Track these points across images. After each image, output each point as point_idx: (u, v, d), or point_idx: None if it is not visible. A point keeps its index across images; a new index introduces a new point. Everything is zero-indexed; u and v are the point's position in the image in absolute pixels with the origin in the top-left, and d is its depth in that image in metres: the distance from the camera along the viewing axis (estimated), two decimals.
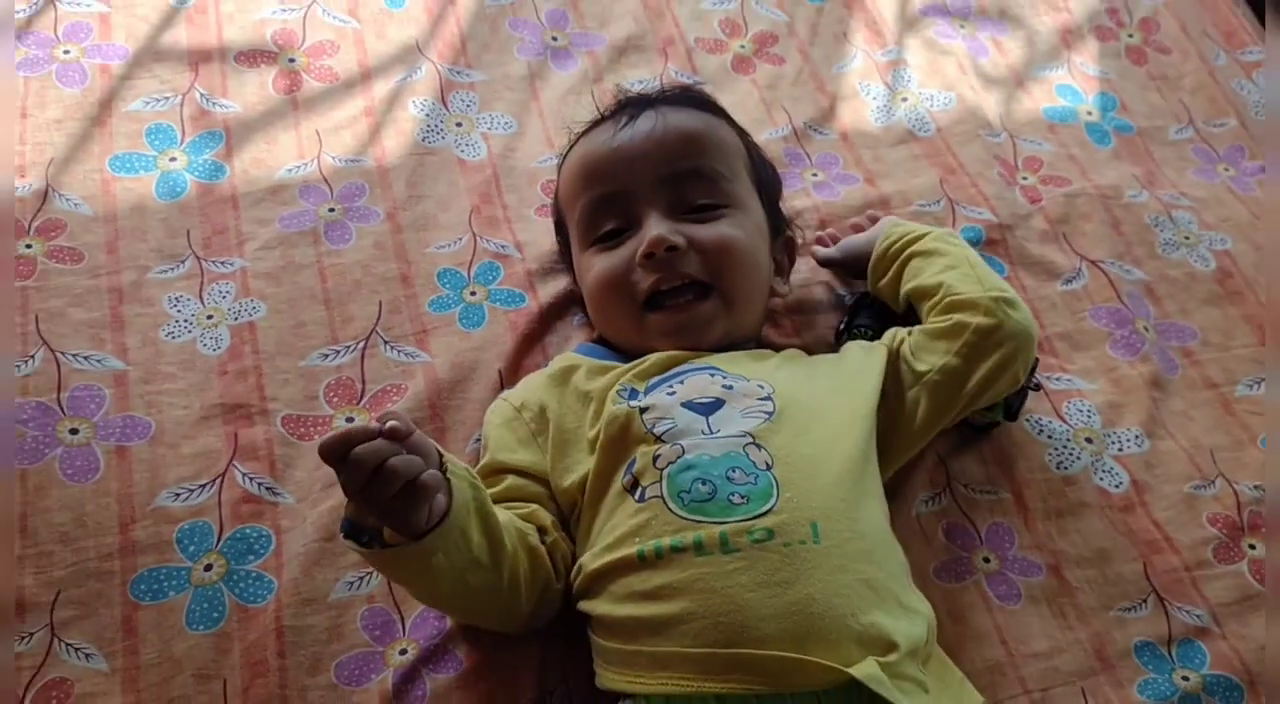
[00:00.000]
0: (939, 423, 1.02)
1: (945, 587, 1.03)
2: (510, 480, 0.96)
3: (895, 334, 1.04)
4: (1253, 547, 1.10)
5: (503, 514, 0.88)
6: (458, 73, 1.37)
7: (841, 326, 1.14)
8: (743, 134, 1.15)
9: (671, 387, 0.96)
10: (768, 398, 0.94)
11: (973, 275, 1.03)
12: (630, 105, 1.12)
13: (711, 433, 0.90)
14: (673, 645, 0.82)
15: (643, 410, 0.93)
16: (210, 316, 1.12)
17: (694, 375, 0.97)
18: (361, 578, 0.96)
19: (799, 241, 1.19)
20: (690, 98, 1.14)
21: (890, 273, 1.10)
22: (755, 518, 0.84)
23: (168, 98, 1.28)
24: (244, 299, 1.13)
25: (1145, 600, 1.05)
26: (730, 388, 0.95)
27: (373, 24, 1.39)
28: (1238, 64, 1.61)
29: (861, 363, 1.03)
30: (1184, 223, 1.38)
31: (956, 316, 1.00)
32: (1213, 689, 0.99)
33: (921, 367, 1.00)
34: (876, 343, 1.04)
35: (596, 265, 1.05)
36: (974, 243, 1.29)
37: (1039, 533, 1.08)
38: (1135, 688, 0.99)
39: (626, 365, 1.01)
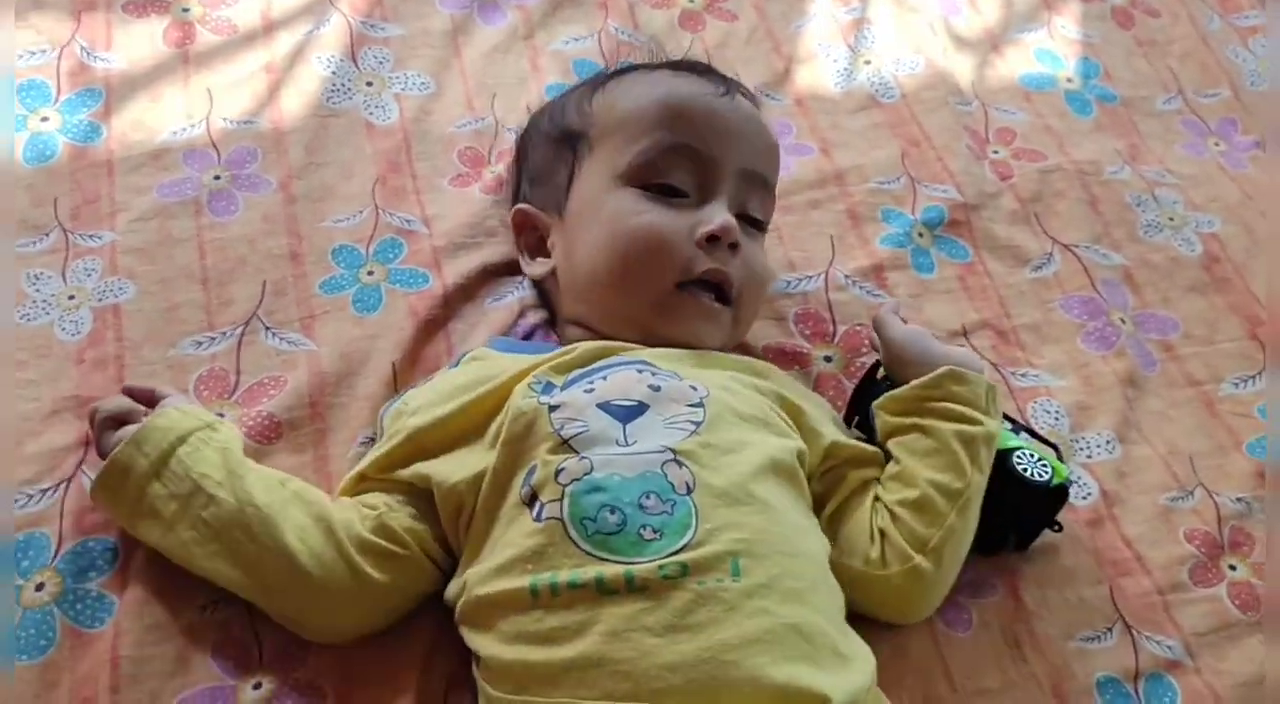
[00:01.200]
0: None
1: None
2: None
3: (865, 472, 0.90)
4: (1233, 567, 0.98)
5: (277, 475, 0.86)
6: (371, 26, 1.23)
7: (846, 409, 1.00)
8: None
9: (592, 382, 0.84)
10: (699, 404, 0.82)
11: (940, 520, 0.85)
12: (710, 73, 1.02)
13: (627, 444, 0.79)
14: (565, 697, 0.71)
15: (552, 408, 0.81)
16: (72, 297, 1.00)
17: (620, 371, 0.85)
18: (217, 601, 0.84)
19: None
20: (755, 101, 1.05)
21: (901, 418, 0.89)
22: (668, 556, 0.73)
23: (44, 50, 1.15)
24: (110, 278, 1.01)
25: (1110, 629, 0.93)
26: (657, 390, 0.83)
27: None
28: (1233, 29, 1.48)
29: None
30: (1168, 202, 1.26)
31: (889, 550, 0.85)
32: None
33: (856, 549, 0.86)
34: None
35: (644, 213, 0.91)
36: (935, 224, 1.17)
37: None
38: None
39: (547, 355, 0.89)
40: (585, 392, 0.83)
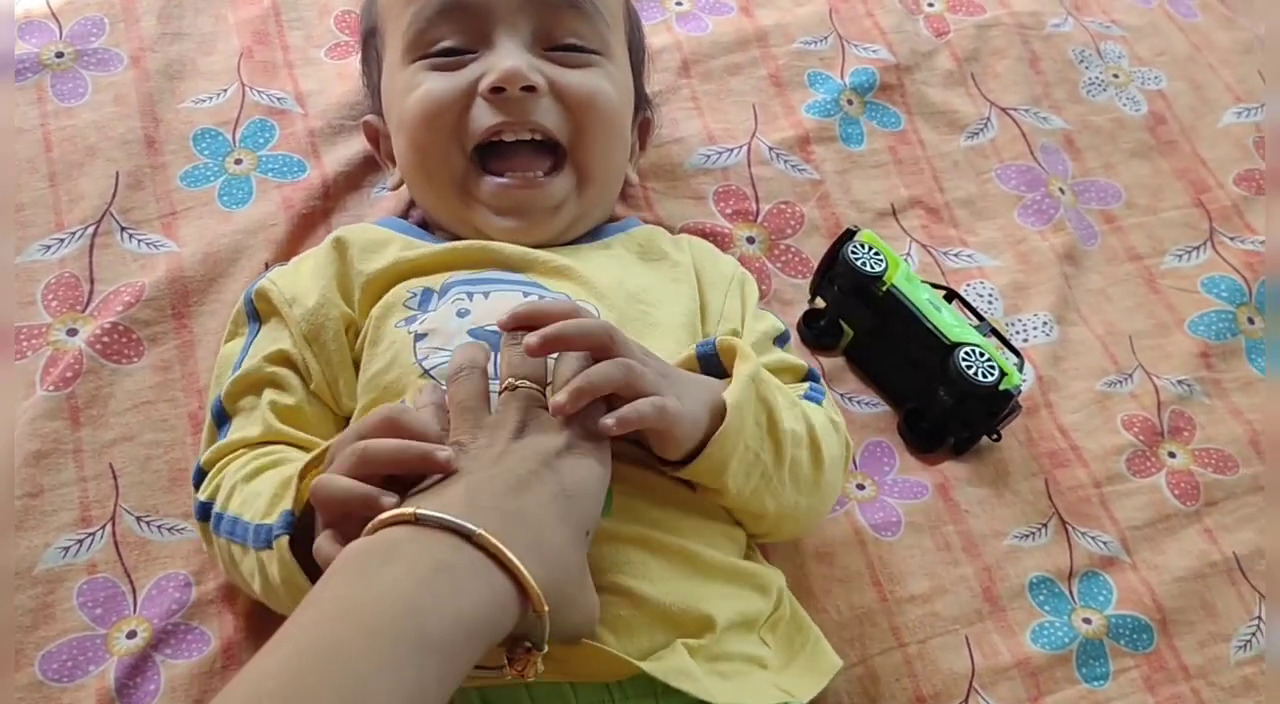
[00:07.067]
0: None
1: None
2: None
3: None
4: (1173, 455, 0.94)
5: None
6: None
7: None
8: None
9: (471, 297, 0.75)
10: None
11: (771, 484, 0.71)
12: None
13: (495, 376, 0.70)
14: None
15: (419, 337, 0.72)
16: None
17: (505, 290, 0.76)
18: (80, 541, 0.76)
19: (655, 124, 0.97)
20: None
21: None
22: None
23: None
24: None
25: (1045, 525, 0.89)
26: None
27: None
28: None
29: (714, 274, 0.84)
30: (1113, 57, 1.18)
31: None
32: (1118, 632, 0.85)
33: None
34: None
35: (421, 84, 0.80)
36: (866, 88, 1.08)
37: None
38: (1028, 634, 0.84)
39: (435, 247, 0.79)
40: (459, 315, 0.74)
